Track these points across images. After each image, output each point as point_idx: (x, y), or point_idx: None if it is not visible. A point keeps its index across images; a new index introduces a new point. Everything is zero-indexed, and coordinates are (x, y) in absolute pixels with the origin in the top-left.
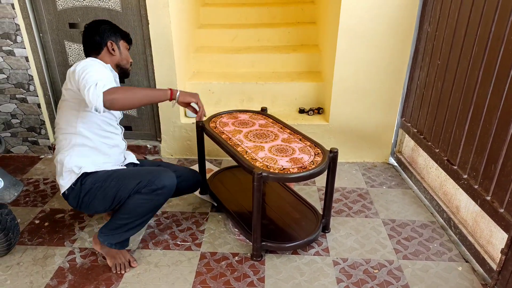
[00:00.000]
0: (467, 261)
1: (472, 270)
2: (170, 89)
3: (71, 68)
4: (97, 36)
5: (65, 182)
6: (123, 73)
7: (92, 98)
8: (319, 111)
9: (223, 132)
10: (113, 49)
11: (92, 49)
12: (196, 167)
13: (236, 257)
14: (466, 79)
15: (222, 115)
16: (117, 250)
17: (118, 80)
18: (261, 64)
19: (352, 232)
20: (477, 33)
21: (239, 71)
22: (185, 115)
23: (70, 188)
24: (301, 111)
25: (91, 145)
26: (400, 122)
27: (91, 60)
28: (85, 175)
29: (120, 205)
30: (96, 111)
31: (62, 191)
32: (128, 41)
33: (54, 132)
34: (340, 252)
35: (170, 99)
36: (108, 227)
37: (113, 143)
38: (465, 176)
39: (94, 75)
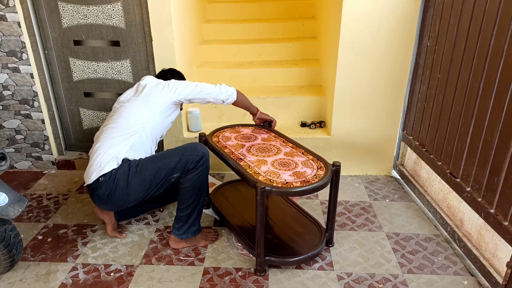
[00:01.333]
0: (472, 275)
1: (478, 284)
2: (257, 108)
3: (172, 82)
4: (169, 75)
5: (106, 168)
6: None
7: (229, 91)
8: (321, 124)
9: (225, 146)
10: None
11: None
12: None
13: (240, 272)
14: (466, 92)
15: (225, 129)
16: (200, 233)
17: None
18: (263, 79)
19: (356, 246)
20: (476, 47)
21: (241, 86)
22: (188, 129)
23: (108, 175)
24: (303, 124)
25: (145, 144)
26: (402, 135)
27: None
28: (122, 161)
29: (155, 190)
30: (223, 103)
31: (95, 178)
32: None
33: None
34: (344, 267)
35: (255, 114)
36: (179, 223)
37: (154, 149)
38: (468, 189)
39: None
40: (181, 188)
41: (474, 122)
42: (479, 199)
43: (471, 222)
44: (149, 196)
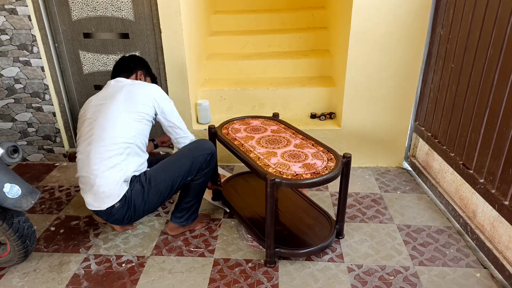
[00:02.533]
0: (485, 267)
1: (490, 277)
2: None
3: (160, 95)
4: (132, 64)
5: (120, 194)
6: None
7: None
8: (331, 116)
9: (235, 139)
10: (140, 78)
11: (124, 71)
12: None
13: (250, 264)
14: (481, 82)
15: (234, 121)
16: (198, 217)
17: None
18: (272, 70)
19: (367, 238)
20: (492, 35)
21: (250, 77)
22: (197, 121)
23: (123, 199)
24: (313, 116)
25: (140, 152)
26: (414, 126)
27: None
28: (131, 181)
29: (172, 195)
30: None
31: (109, 206)
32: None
33: (76, 141)
34: (355, 259)
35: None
36: (180, 212)
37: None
38: (482, 181)
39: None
40: (192, 184)
41: (488, 113)
42: (493, 191)
43: (484, 214)
44: (166, 200)
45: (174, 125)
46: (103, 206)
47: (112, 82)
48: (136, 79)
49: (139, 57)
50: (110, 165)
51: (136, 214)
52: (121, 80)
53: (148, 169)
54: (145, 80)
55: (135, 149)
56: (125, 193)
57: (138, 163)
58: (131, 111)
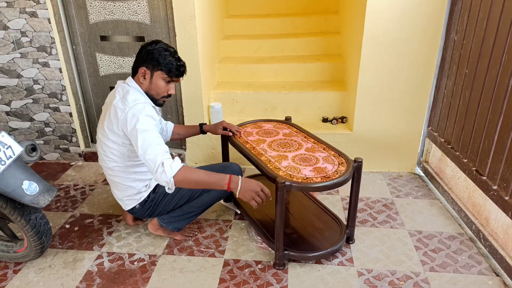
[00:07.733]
0: (497, 275)
1: (503, 285)
2: (230, 178)
3: (125, 123)
4: (138, 58)
5: (135, 201)
6: (153, 102)
7: (164, 181)
8: (342, 120)
9: (247, 142)
10: (143, 77)
11: (133, 70)
12: None
13: (259, 265)
14: (495, 88)
15: (247, 125)
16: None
17: (157, 110)
18: (285, 74)
19: (377, 243)
20: (506, 42)
21: (263, 81)
22: (210, 123)
23: (142, 202)
24: (325, 120)
25: (143, 170)
26: (427, 132)
27: (144, 115)
28: (155, 186)
29: (192, 200)
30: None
31: (129, 208)
32: (170, 73)
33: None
34: (365, 263)
35: (228, 190)
36: (171, 215)
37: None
38: (495, 187)
39: (156, 149)
40: (204, 193)
41: (502, 119)
42: (507, 198)
43: (497, 221)
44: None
45: (140, 155)
46: (126, 208)
47: (116, 86)
48: (139, 78)
49: (145, 48)
50: (114, 184)
51: (156, 211)
52: (120, 86)
53: None
54: (151, 76)
55: (133, 169)
56: (145, 198)
57: (147, 178)
58: (112, 137)
